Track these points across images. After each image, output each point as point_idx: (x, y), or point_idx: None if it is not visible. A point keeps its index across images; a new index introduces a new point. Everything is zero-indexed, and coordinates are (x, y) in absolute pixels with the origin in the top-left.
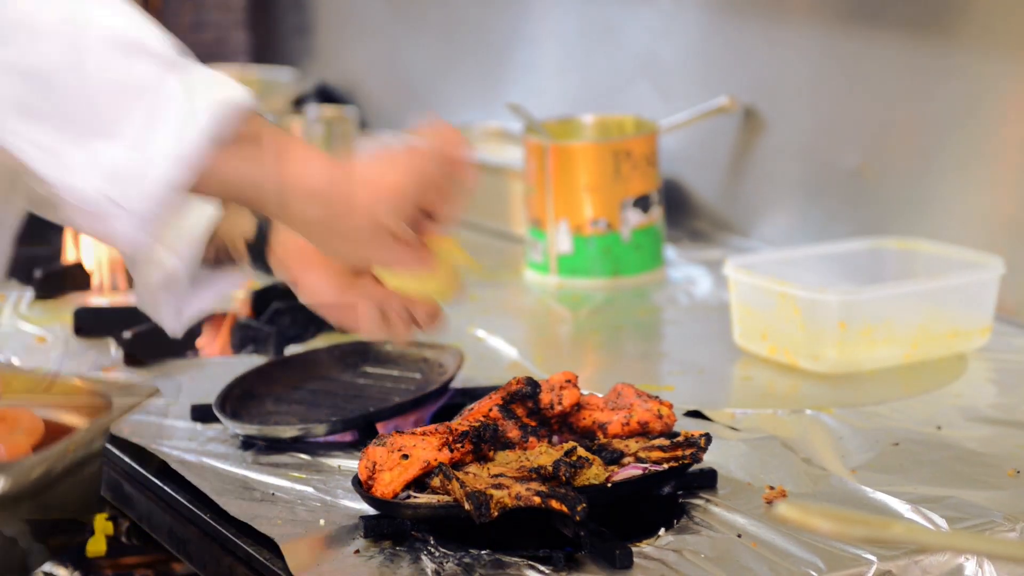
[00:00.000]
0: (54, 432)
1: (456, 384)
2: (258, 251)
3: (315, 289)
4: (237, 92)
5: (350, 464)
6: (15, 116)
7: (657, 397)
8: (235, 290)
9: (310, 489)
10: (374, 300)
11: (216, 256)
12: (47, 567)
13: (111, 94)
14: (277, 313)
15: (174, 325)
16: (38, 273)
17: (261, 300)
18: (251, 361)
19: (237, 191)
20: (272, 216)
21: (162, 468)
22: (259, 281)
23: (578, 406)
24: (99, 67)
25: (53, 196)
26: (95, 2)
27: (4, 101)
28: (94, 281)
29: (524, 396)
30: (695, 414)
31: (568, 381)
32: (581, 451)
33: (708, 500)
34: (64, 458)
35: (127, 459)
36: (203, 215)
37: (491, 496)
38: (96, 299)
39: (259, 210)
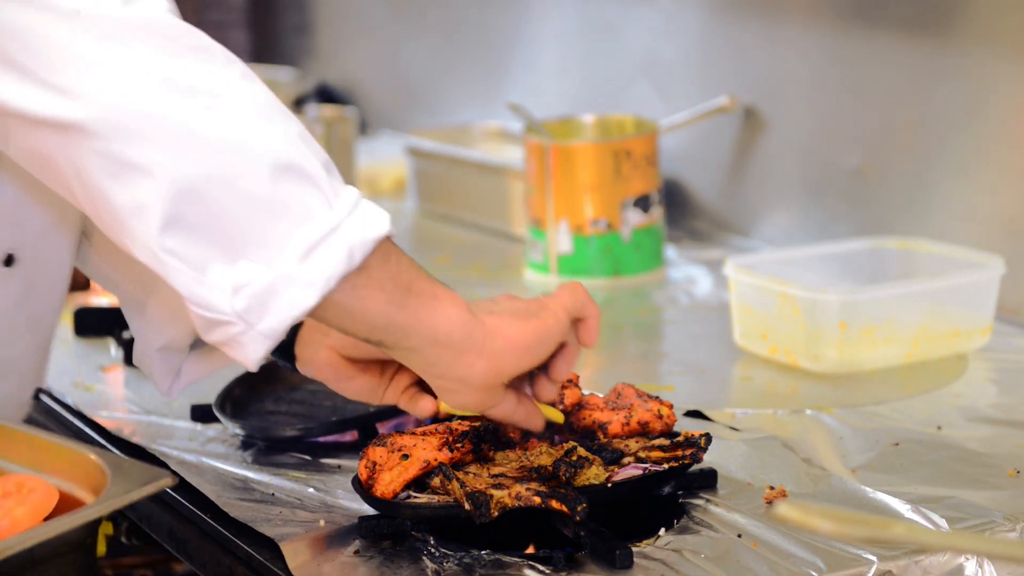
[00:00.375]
0: (69, 506)
1: None
2: (283, 352)
3: (349, 393)
4: (382, 223)
5: (350, 464)
6: (160, 226)
7: (657, 397)
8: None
9: (310, 489)
10: (409, 383)
11: None
12: None
13: (261, 215)
14: None
15: (170, 388)
16: None
17: None
18: None
19: (364, 324)
20: (390, 351)
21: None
22: None
23: (578, 406)
24: (254, 186)
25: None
26: (258, 118)
27: (153, 211)
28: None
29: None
30: (695, 414)
31: (568, 381)
32: (581, 451)
33: (708, 500)
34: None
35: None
36: None
37: (491, 496)
38: (96, 299)
39: (378, 344)
